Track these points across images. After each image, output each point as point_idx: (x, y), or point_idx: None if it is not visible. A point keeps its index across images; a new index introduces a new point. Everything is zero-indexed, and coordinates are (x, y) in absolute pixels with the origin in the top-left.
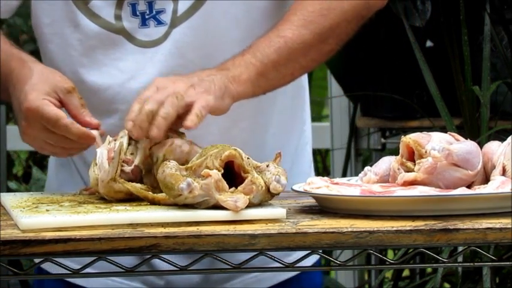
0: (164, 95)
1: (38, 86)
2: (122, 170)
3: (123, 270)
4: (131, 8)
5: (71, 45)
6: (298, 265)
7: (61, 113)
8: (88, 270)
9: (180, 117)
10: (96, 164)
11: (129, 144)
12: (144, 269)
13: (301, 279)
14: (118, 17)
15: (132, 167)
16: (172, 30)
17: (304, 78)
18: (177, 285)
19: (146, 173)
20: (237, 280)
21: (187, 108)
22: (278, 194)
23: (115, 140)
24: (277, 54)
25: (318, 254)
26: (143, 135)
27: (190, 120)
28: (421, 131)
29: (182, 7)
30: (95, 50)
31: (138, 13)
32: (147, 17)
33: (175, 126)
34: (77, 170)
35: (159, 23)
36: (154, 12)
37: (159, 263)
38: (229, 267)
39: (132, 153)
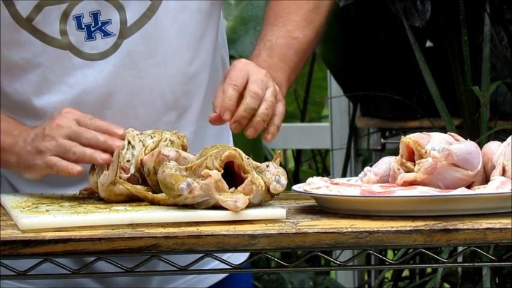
0: (263, 89)
1: None
2: (119, 177)
3: (123, 271)
4: (76, 21)
5: (17, 65)
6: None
7: None
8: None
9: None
10: (95, 169)
11: (126, 149)
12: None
13: (235, 279)
14: (63, 32)
15: (129, 175)
16: (122, 41)
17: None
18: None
19: (142, 182)
20: (180, 281)
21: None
22: (278, 194)
23: None
24: (296, 56)
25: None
26: (240, 130)
27: (272, 134)
28: (421, 131)
29: (131, 17)
30: (42, 68)
31: (83, 26)
32: (92, 29)
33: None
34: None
35: (106, 34)
36: (100, 24)
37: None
38: (229, 267)
39: (128, 161)
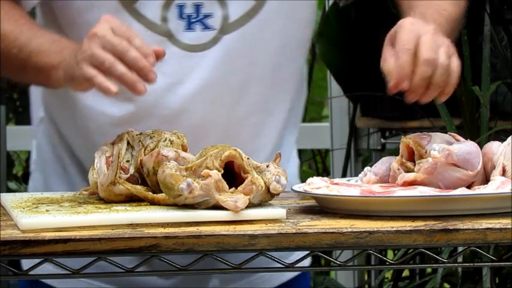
0: (436, 51)
1: None
2: (119, 177)
3: (123, 271)
4: (178, 10)
5: None
6: (297, 265)
7: None
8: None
9: None
10: (94, 169)
11: (126, 149)
12: (144, 269)
13: (299, 280)
14: (164, 19)
15: (128, 175)
16: (222, 36)
17: (305, 78)
18: (179, 286)
19: (142, 182)
20: (242, 281)
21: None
22: (278, 194)
23: (112, 145)
24: (448, 25)
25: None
26: (416, 99)
27: (447, 94)
28: (421, 131)
29: (234, 14)
30: None
31: (184, 16)
32: (193, 20)
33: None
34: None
35: (206, 27)
36: (201, 16)
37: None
38: (229, 267)
39: (127, 161)
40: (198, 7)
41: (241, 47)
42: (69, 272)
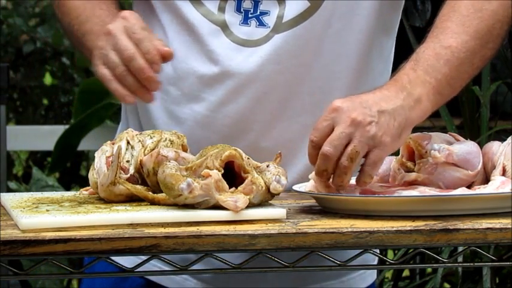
0: (337, 148)
1: None
2: (119, 177)
3: (122, 270)
4: (236, 3)
5: (163, 28)
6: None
7: None
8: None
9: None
10: (94, 169)
11: (126, 149)
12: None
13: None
14: (221, 9)
15: (128, 175)
16: (274, 34)
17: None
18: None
19: (142, 182)
20: (344, 278)
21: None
22: (278, 194)
23: (113, 145)
24: (448, 67)
25: (319, 254)
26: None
27: (363, 182)
28: (421, 131)
29: (288, 14)
30: (190, 37)
31: (242, 10)
32: (250, 15)
33: None
34: None
35: (261, 24)
36: (258, 13)
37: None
38: (229, 267)
39: (128, 161)
40: (256, 3)
41: (291, 48)
42: (68, 272)
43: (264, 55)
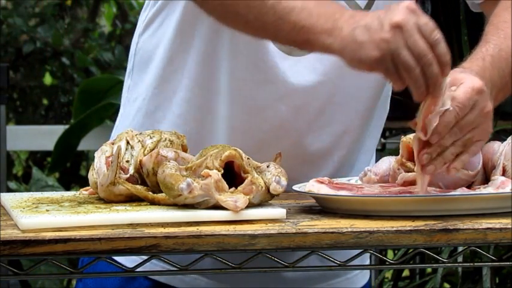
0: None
1: None
2: (119, 177)
3: (122, 271)
4: None
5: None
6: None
7: None
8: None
9: None
10: (94, 169)
11: (125, 149)
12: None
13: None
14: None
15: (128, 175)
16: (374, 1)
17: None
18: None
19: (141, 182)
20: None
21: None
22: (278, 194)
23: (112, 145)
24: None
25: (319, 254)
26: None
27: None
28: None
29: None
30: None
31: None
32: None
33: None
34: None
35: None
36: None
37: None
38: (228, 267)
39: (127, 161)
40: None
41: (333, 58)
42: (67, 272)
43: (309, 65)
